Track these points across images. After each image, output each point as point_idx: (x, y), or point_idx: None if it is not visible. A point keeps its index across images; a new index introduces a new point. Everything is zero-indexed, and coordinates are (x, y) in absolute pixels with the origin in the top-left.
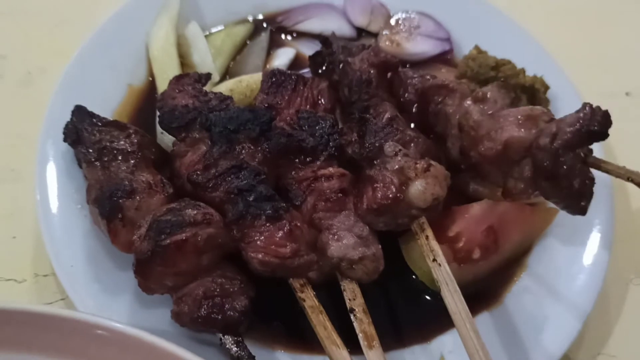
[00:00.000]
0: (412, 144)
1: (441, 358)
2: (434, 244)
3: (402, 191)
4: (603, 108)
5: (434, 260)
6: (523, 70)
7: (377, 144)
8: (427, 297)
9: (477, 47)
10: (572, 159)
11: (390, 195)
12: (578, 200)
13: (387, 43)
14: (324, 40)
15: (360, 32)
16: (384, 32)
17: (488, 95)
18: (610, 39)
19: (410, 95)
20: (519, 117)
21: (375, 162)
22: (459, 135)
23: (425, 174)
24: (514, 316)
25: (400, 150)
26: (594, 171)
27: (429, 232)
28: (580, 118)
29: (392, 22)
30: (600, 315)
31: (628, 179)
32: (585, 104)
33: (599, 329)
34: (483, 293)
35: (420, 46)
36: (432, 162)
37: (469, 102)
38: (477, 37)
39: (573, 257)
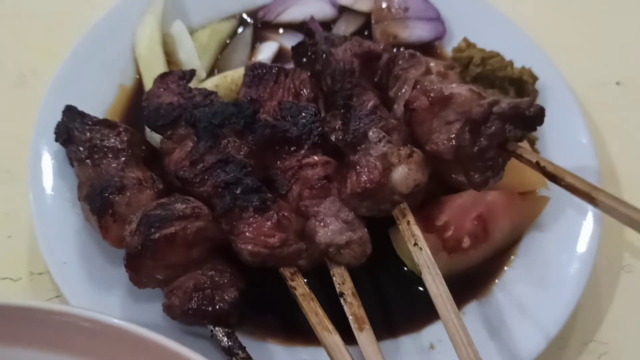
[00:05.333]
0: (395, 132)
1: (431, 347)
2: (415, 228)
3: (386, 176)
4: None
5: (415, 244)
6: (511, 63)
7: (361, 131)
8: (420, 288)
9: (465, 40)
10: (498, 128)
11: (375, 179)
12: (484, 169)
13: (381, 36)
14: (307, 31)
15: (342, 11)
16: (375, 22)
17: (449, 75)
18: (599, 29)
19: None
20: (469, 88)
21: (359, 148)
22: (410, 91)
23: (408, 160)
24: (504, 303)
25: (384, 136)
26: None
27: (410, 217)
28: (521, 102)
29: (383, 5)
30: (591, 302)
31: (537, 163)
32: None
33: (591, 316)
34: (473, 281)
35: (416, 32)
36: (415, 149)
37: (432, 74)
38: (465, 30)
39: (563, 244)
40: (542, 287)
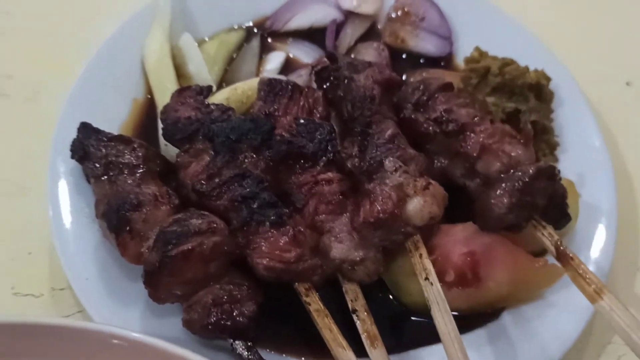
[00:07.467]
0: (412, 162)
1: None
2: (427, 262)
3: (400, 207)
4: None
5: (426, 279)
6: (527, 68)
7: (377, 159)
8: None
9: (477, 49)
10: (541, 190)
11: (388, 210)
12: (500, 220)
13: (390, 37)
14: (330, 55)
15: (348, 15)
16: (389, 19)
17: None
18: (608, 29)
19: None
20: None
21: (374, 176)
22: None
23: (424, 192)
24: (522, 309)
25: (400, 166)
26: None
27: (423, 250)
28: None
29: (405, 8)
30: None
31: (557, 243)
32: None
33: None
34: None
35: (424, 45)
36: (432, 181)
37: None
38: (469, 34)
39: (579, 247)
40: (559, 288)
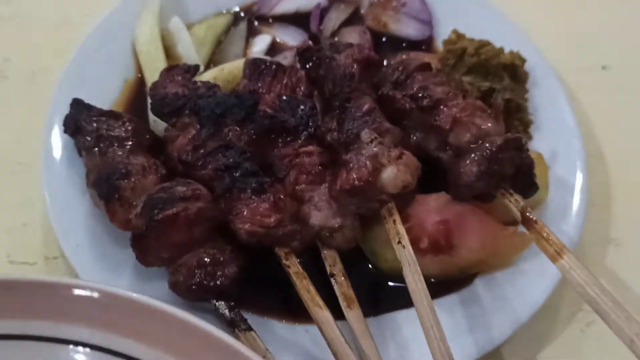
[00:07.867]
0: (388, 134)
1: None
2: (400, 227)
3: (375, 175)
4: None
5: (399, 242)
6: (502, 50)
7: (354, 131)
8: None
9: (455, 31)
10: (508, 159)
11: (363, 178)
12: (470, 188)
13: (372, 21)
14: (313, 36)
15: (333, 0)
16: (371, 4)
17: None
18: (584, 14)
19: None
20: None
21: (351, 147)
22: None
23: (398, 161)
24: (490, 275)
25: (375, 138)
26: None
27: (397, 216)
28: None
29: None
30: None
31: (523, 209)
32: None
33: None
34: None
35: (406, 29)
36: (405, 151)
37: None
38: (450, 18)
39: (550, 217)
40: (530, 259)
